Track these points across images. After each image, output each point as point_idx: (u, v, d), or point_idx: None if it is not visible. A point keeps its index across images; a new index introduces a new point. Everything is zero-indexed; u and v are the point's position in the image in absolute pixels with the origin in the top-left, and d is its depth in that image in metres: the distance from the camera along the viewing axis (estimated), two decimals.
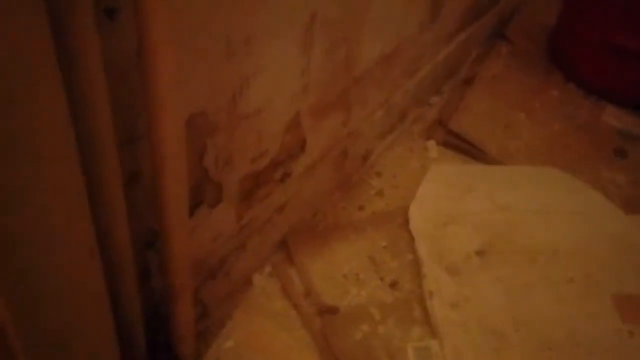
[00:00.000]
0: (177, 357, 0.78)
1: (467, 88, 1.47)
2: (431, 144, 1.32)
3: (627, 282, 1.04)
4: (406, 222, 1.10)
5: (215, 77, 0.67)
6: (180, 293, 0.70)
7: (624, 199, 1.22)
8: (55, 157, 0.41)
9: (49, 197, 0.41)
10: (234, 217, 0.85)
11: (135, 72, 0.54)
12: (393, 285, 0.99)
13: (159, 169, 0.56)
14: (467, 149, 1.32)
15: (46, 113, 0.39)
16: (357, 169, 1.19)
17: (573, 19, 1.56)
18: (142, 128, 0.59)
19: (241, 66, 0.70)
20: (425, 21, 1.19)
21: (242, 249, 0.90)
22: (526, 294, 1.00)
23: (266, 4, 0.68)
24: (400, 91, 1.24)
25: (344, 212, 1.11)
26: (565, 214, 1.17)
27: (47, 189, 0.41)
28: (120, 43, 0.53)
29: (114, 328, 0.60)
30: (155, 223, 0.64)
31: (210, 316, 0.88)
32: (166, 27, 0.49)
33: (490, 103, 1.44)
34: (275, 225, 0.97)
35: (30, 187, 0.40)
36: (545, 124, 1.42)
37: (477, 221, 1.12)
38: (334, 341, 0.90)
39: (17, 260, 0.42)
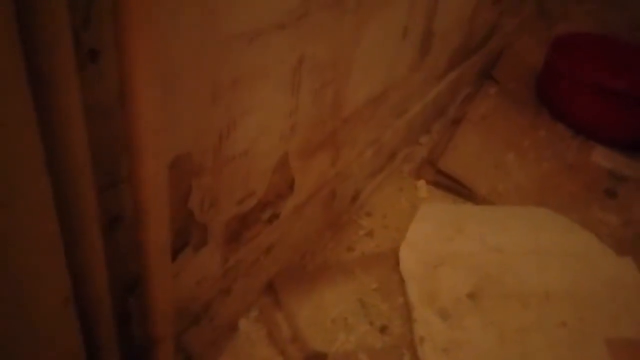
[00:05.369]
0: None
1: (456, 128, 1.48)
2: (421, 183, 1.32)
3: (620, 326, 1.02)
4: (397, 263, 1.09)
5: (201, 119, 0.66)
6: (161, 340, 0.67)
7: (616, 240, 1.22)
8: (28, 204, 0.39)
9: (18, 245, 0.40)
10: (219, 259, 0.83)
11: (119, 114, 0.53)
12: (383, 330, 0.96)
13: (141, 213, 0.55)
14: (456, 188, 1.32)
15: (20, 159, 0.37)
16: (347, 209, 1.18)
17: (560, 60, 1.59)
18: (125, 170, 0.58)
19: (228, 107, 0.69)
20: (413, 63, 1.20)
21: (227, 293, 0.88)
22: (519, 338, 0.98)
23: (254, 46, 0.68)
24: (389, 131, 1.24)
25: (333, 253, 1.09)
26: (557, 255, 1.16)
27: (16, 236, 0.39)
28: (104, 85, 0.52)
29: None
30: (137, 267, 0.62)
31: None
32: (149, 69, 0.48)
33: (479, 143, 1.45)
34: (263, 268, 0.95)
35: None
36: (534, 163, 1.43)
37: (468, 263, 1.11)
38: None
39: None
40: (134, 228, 0.57)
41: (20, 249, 0.40)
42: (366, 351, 0.92)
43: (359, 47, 0.93)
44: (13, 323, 0.43)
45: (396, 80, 1.15)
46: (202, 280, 0.81)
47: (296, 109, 0.84)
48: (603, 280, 1.11)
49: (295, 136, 0.87)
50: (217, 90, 0.66)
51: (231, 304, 0.90)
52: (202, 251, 0.78)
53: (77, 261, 0.51)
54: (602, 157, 1.49)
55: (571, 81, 1.55)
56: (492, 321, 1.00)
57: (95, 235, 0.51)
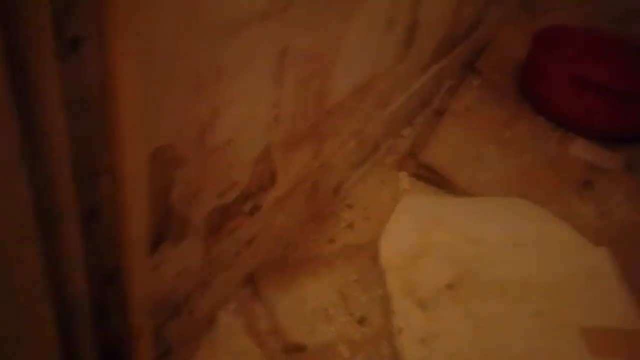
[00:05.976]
0: None
1: (439, 120, 1.48)
2: (403, 175, 1.32)
3: (596, 315, 1.04)
4: (377, 254, 1.09)
5: (183, 110, 0.65)
6: (139, 333, 0.67)
7: (593, 231, 1.24)
8: (2, 194, 0.38)
9: None
10: (200, 252, 0.82)
11: (100, 104, 0.52)
12: (362, 321, 0.97)
13: (119, 206, 0.54)
14: (437, 180, 1.32)
15: None
16: (329, 201, 1.18)
17: (542, 53, 1.60)
18: (105, 161, 0.57)
19: (211, 98, 0.69)
20: (398, 54, 1.20)
21: (207, 285, 0.87)
22: (496, 328, 0.99)
23: (238, 37, 0.67)
24: (373, 123, 1.24)
25: (314, 245, 1.09)
26: (534, 246, 1.17)
27: None
28: (85, 74, 0.51)
29: None
30: (115, 259, 0.62)
31: (173, 355, 0.85)
32: (133, 57, 0.47)
33: (461, 135, 1.46)
34: (244, 260, 0.95)
35: None
36: (515, 156, 1.44)
37: (448, 254, 1.12)
38: None
39: None
40: (112, 220, 0.57)
41: None
42: (345, 342, 0.93)
43: (343, 38, 0.92)
44: None
45: (381, 71, 1.14)
46: (183, 272, 0.80)
47: (280, 100, 0.83)
48: (579, 270, 1.13)
49: (279, 127, 0.87)
50: (201, 80, 0.65)
51: (211, 296, 0.89)
52: (182, 243, 0.77)
53: (55, 253, 0.50)
54: (582, 150, 1.51)
55: (552, 74, 1.56)
56: (470, 311, 1.01)
57: (73, 226, 0.51)
